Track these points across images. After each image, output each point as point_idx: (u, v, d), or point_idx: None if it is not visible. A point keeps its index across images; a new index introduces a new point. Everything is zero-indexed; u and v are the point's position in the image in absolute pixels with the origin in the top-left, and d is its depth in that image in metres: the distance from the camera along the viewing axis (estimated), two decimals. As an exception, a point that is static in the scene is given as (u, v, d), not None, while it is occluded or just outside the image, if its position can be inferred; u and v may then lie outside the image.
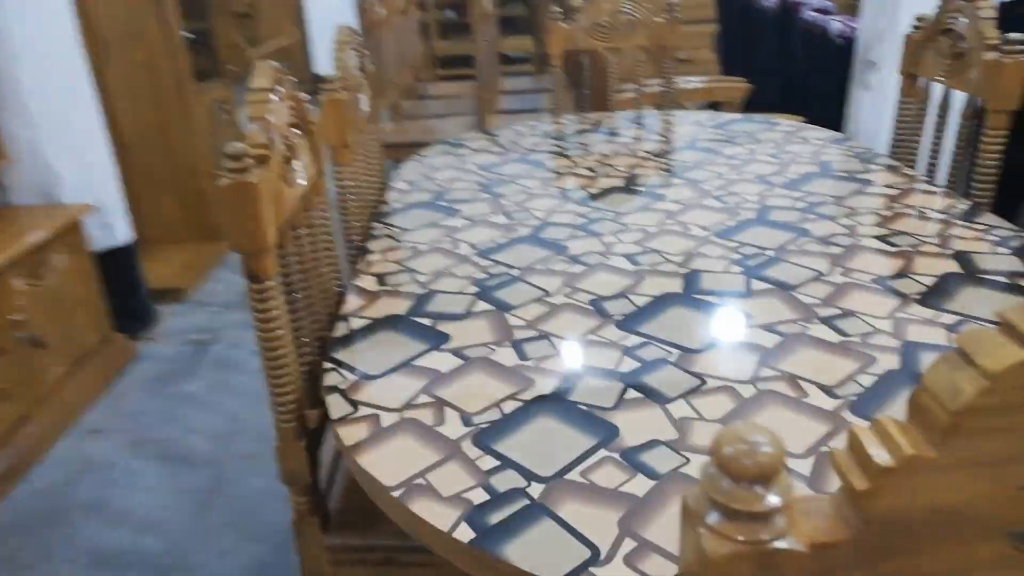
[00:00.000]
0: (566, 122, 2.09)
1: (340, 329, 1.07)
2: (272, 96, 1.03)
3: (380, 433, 0.84)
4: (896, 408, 0.82)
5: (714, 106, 3.15)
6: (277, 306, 0.98)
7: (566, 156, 1.79)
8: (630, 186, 1.56)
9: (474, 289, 1.16)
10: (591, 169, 1.68)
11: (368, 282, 1.21)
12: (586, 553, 0.66)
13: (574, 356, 0.96)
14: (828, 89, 2.80)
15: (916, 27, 1.64)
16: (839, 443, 0.78)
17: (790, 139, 1.81)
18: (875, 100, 2.51)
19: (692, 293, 1.10)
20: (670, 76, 2.31)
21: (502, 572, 0.67)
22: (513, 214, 1.44)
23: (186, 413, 2.30)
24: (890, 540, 0.38)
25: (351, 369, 0.97)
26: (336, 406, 0.90)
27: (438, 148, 1.92)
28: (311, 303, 1.17)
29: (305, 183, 1.16)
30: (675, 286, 1.12)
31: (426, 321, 1.07)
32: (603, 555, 0.66)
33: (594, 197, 1.50)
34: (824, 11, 2.91)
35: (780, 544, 0.34)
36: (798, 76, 3.07)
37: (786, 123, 1.97)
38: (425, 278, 1.21)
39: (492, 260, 1.25)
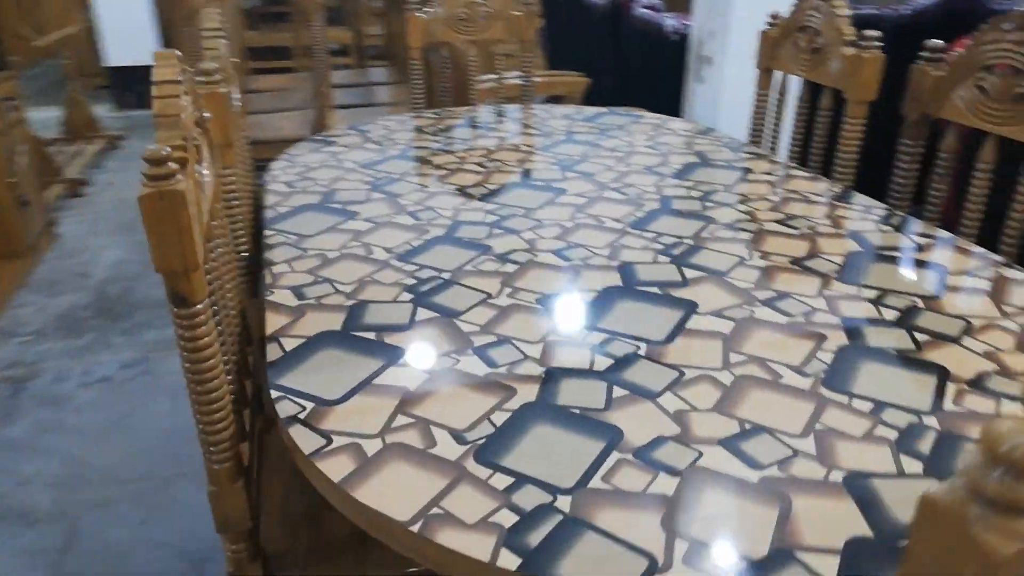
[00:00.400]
0: (432, 117, 2.03)
1: (273, 351, 0.96)
2: (181, 89, 0.90)
3: (367, 463, 0.76)
4: (864, 381, 0.87)
5: (555, 100, 3.22)
6: (208, 331, 0.86)
7: (449, 152, 1.74)
8: (526, 181, 1.54)
9: (408, 296, 1.08)
10: (480, 164, 1.64)
11: (284, 296, 1.10)
12: (643, 562, 0.63)
13: (544, 358, 0.93)
14: (663, 82, 2.95)
15: (771, 24, 1.76)
16: (828, 419, 0.81)
17: (659, 131, 1.88)
18: (709, 93, 2.68)
19: (633, 285, 1.10)
20: (530, 69, 2.33)
21: (559, 597, 0.63)
22: (418, 214, 1.38)
23: (12, 462, 1.98)
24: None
25: (304, 396, 0.87)
26: (304, 439, 0.80)
27: (307, 146, 1.79)
28: (227, 325, 1.04)
29: (210, 189, 1.02)
30: (614, 279, 1.12)
31: (369, 335, 0.99)
32: (661, 561, 0.63)
33: (494, 193, 1.47)
34: (653, 8, 3.07)
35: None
36: (633, 70, 3.22)
37: (649, 116, 2.04)
38: (349, 288, 1.11)
39: (415, 264, 1.18)
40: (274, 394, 0.87)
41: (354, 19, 5.27)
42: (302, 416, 0.83)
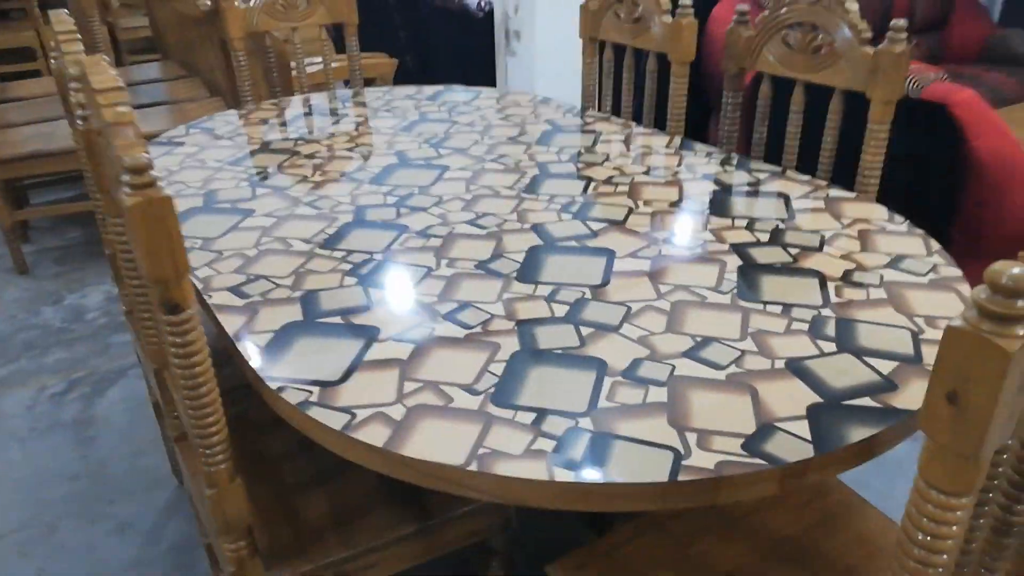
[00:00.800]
0: (272, 107, 2.01)
1: (249, 349, 0.98)
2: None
3: (400, 427, 0.83)
4: (768, 289, 1.07)
5: (368, 82, 3.24)
6: (198, 336, 0.87)
7: (314, 140, 1.75)
8: (407, 161, 1.61)
9: (353, 279, 1.13)
10: (350, 150, 1.68)
11: (226, 298, 1.10)
12: (669, 454, 0.77)
13: (509, 314, 1.03)
14: (471, 58, 3.09)
15: (592, -2, 1.95)
16: (755, 324, 1.00)
17: (504, 104, 2.02)
18: (522, 65, 2.85)
19: (553, 242, 1.23)
20: (355, 53, 2.35)
21: (615, 493, 0.75)
22: (316, 204, 1.40)
23: None
24: None
25: (304, 381, 0.91)
26: (328, 418, 0.85)
27: (154, 150, 1.71)
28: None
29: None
30: (534, 239, 1.24)
31: (335, 319, 1.03)
32: (683, 451, 0.78)
33: (381, 176, 1.53)
34: (450, -13, 3.18)
35: None
36: (437, 49, 3.31)
37: (486, 91, 2.17)
38: (288, 280, 1.14)
39: (342, 249, 1.23)
40: (274, 385, 0.90)
41: (103, 11, 4.81)
42: (313, 399, 0.88)
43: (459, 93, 2.13)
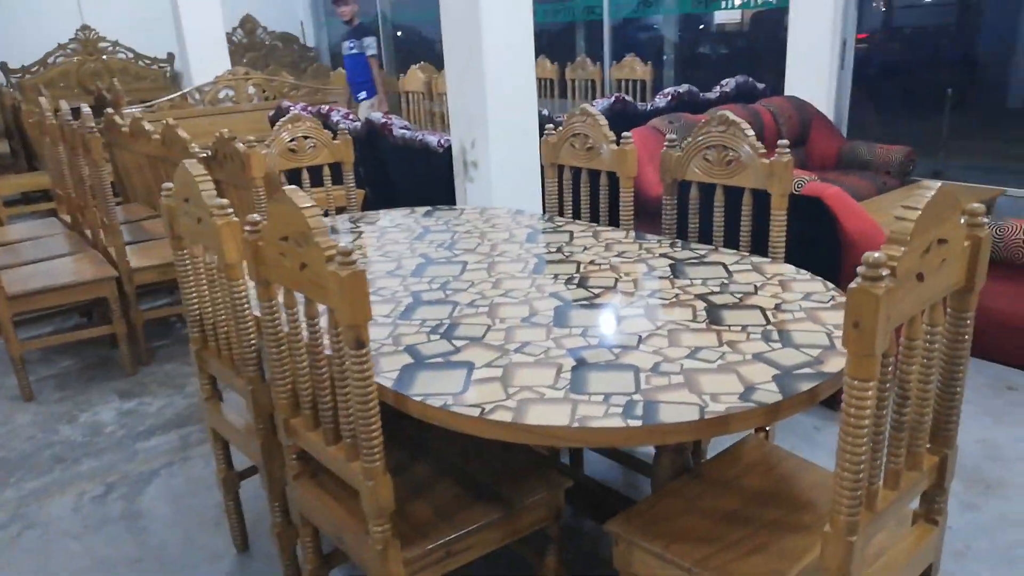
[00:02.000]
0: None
1: (387, 382, 1.38)
2: (309, 212, 1.31)
3: (516, 412, 1.25)
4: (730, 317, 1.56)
5: (340, 210, 3.70)
6: (371, 366, 1.28)
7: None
8: (432, 260, 2.06)
9: (436, 336, 1.56)
10: (382, 256, 2.12)
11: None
12: (696, 407, 1.23)
13: (560, 346, 1.48)
14: (429, 186, 3.62)
15: (549, 134, 2.52)
16: (727, 338, 1.48)
17: (487, 217, 2.52)
18: (478, 189, 3.40)
19: (570, 303, 1.70)
20: (352, 186, 2.83)
21: (666, 431, 1.19)
22: (378, 292, 1.83)
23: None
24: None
25: (437, 395, 1.32)
26: (465, 411, 1.26)
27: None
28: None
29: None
30: (556, 302, 1.71)
31: (438, 360, 1.45)
32: (702, 404, 1.23)
33: (420, 271, 1.97)
34: (407, 128, 3.75)
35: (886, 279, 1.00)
36: (400, 180, 3.84)
37: (468, 208, 2.67)
38: (388, 340, 1.55)
39: (417, 320, 1.65)
40: (417, 398, 1.31)
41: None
42: (451, 403, 1.29)
43: (445, 211, 2.62)
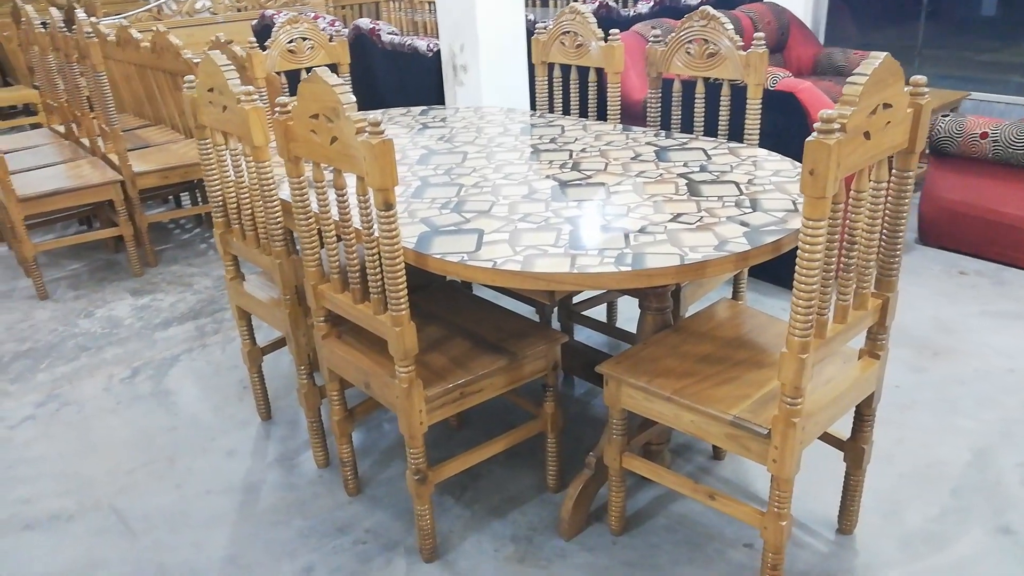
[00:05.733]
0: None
1: (410, 244, 1.57)
2: (337, 92, 1.47)
3: (523, 264, 1.45)
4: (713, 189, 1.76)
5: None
6: (398, 224, 1.46)
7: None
8: (435, 152, 2.23)
9: (447, 211, 1.74)
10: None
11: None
12: (676, 256, 1.44)
13: (559, 216, 1.67)
14: (422, 91, 3.73)
15: (540, 33, 2.65)
16: (706, 206, 1.68)
17: (482, 114, 2.67)
18: (468, 92, 3.52)
19: (567, 183, 1.89)
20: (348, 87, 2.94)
21: (653, 274, 1.40)
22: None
23: None
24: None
25: (455, 253, 1.51)
26: (480, 264, 1.46)
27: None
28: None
29: (327, 159, 1.59)
30: (553, 183, 1.89)
31: (451, 228, 1.64)
32: (683, 253, 1.44)
33: (425, 159, 2.14)
34: (395, 34, 3.83)
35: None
36: (389, 85, 3.94)
37: (463, 107, 2.82)
38: (404, 214, 1.74)
39: (428, 198, 1.84)
40: (436, 256, 1.50)
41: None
42: (467, 259, 1.49)
43: (440, 110, 2.77)
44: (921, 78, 1.38)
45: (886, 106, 1.29)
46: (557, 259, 1.47)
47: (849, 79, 1.22)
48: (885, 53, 1.24)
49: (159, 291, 3.35)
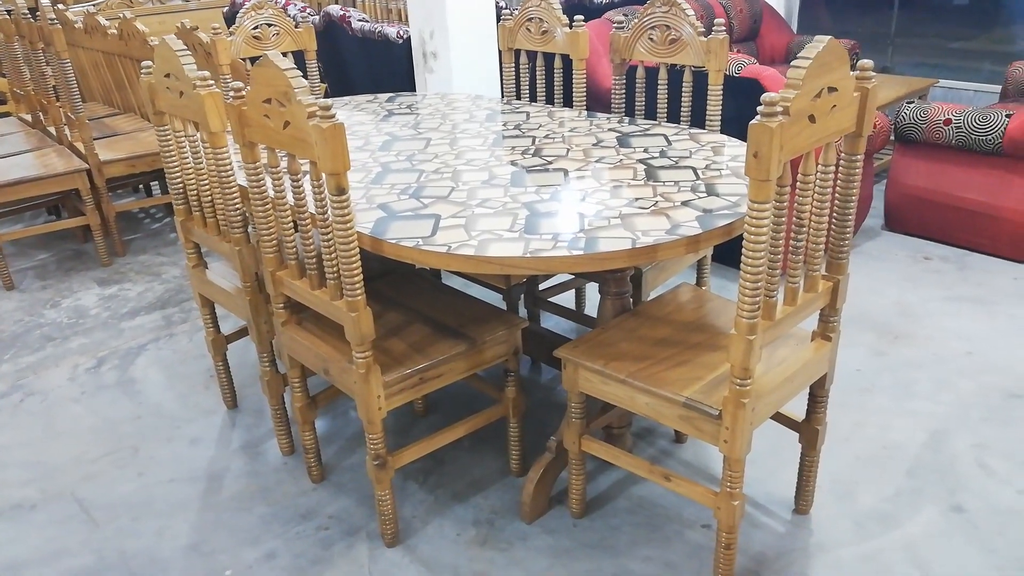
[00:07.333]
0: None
1: (365, 230, 1.57)
2: (289, 76, 1.47)
3: (478, 248, 1.46)
4: (666, 176, 1.78)
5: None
6: (352, 209, 1.46)
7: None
8: (398, 138, 2.22)
9: (406, 196, 1.75)
10: (350, 133, 2.27)
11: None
12: (629, 240, 1.45)
13: (516, 202, 1.68)
14: (392, 79, 3.71)
15: (506, 19, 2.64)
16: (662, 191, 1.69)
17: (448, 101, 2.67)
18: (438, 79, 3.51)
19: (526, 169, 1.89)
20: (316, 74, 2.92)
21: (604, 258, 1.41)
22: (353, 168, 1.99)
23: None
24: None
25: (411, 238, 1.52)
26: (434, 249, 1.46)
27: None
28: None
29: (282, 144, 1.58)
30: (513, 168, 1.90)
31: (408, 214, 1.65)
32: (635, 238, 1.45)
33: (387, 145, 2.13)
34: (365, 20, 3.81)
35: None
36: (359, 72, 3.92)
37: (430, 94, 2.81)
38: (363, 199, 1.74)
39: (388, 184, 1.83)
40: (392, 240, 1.51)
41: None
42: (422, 244, 1.49)
43: (407, 97, 2.76)
44: (868, 62, 1.40)
45: (831, 90, 1.31)
46: (511, 243, 1.47)
47: (792, 63, 1.23)
48: (829, 37, 1.26)
49: (127, 280, 3.33)
